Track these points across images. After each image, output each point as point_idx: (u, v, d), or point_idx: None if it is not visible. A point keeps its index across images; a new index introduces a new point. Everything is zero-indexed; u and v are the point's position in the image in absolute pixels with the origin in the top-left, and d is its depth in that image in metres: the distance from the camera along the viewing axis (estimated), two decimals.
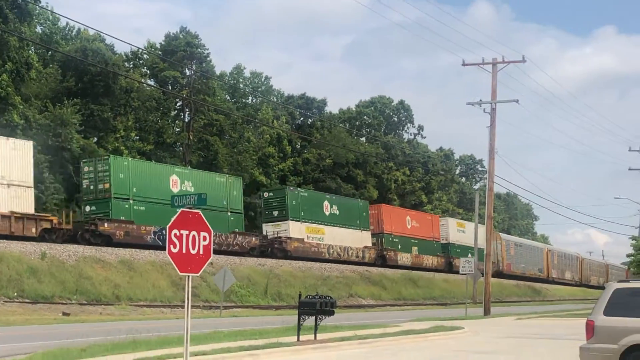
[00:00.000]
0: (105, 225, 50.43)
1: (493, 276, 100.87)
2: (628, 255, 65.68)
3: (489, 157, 49.46)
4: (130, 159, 59.35)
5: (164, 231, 49.92)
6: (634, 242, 65.42)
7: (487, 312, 47.39)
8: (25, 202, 46.69)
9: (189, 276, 12.00)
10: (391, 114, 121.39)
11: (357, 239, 72.20)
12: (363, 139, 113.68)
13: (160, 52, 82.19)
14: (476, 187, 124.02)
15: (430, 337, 28.77)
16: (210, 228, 12.26)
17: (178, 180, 55.48)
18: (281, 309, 50.34)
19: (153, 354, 18.84)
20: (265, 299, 55.33)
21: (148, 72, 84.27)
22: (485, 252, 50.94)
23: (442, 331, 30.65)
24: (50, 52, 74.24)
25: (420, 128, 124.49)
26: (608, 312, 15.49)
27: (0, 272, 40.42)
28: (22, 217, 45.79)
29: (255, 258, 59.39)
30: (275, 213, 65.12)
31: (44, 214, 50.12)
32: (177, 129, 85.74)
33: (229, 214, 59.81)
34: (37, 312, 38.47)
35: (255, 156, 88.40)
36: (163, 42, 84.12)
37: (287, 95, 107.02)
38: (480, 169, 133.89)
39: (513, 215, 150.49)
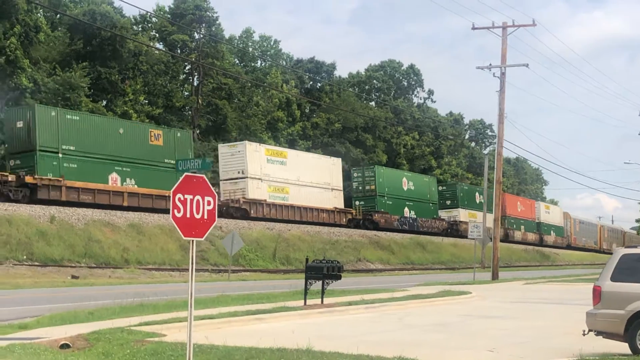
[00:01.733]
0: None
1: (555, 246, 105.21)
2: (637, 220, 65.61)
3: (499, 121, 49.28)
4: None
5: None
6: None
7: (495, 277, 47.45)
8: None
9: (193, 240, 11.97)
10: (401, 78, 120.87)
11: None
12: (372, 103, 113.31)
13: (169, 16, 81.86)
14: (486, 151, 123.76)
15: (437, 301, 28.81)
16: (215, 193, 12.20)
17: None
18: (289, 273, 50.48)
19: (160, 318, 18.92)
20: (273, 263, 55.50)
21: (157, 35, 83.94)
22: (494, 216, 50.88)
23: (449, 296, 30.71)
24: (58, 16, 73.93)
25: (430, 92, 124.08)
26: (615, 277, 15.45)
27: (10, 235, 40.59)
28: None
29: (264, 222, 59.39)
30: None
31: None
32: (186, 93, 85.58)
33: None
34: (46, 275, 38.67)
35: (264, 120, 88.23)
36: (172, 6, 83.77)
37: (296, 59, 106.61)
38: (489, 133, 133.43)
39: (523, 180, 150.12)
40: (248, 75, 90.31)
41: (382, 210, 74.37)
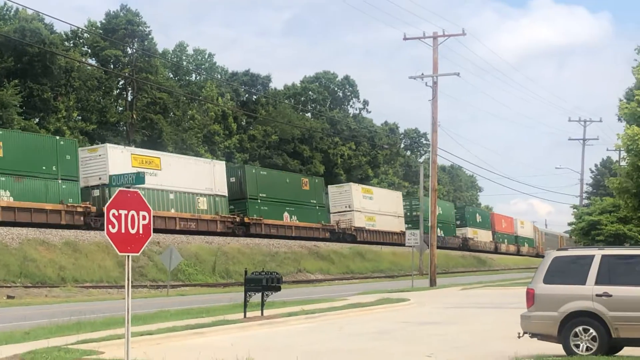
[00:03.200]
0: None
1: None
2: (569, 224, 66.77)
3: (432, 130, 49.85)
4: None
5: None
6: (575, 210, 66.51)
7: (433, 283, 47.91)
8: None
9: (128, 256, 11.94)
10: (336, 89, 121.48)
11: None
12: (309, 114, 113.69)
13: (100, 31, 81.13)
14: (421, 160, 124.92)
15: (376, 309, 29.03)
16: (149, 207, 12.19)
17: None
18: (229, 286, 50.28)
19: (97, 335, 18.75)
20: (213, 277, 55.21)
21: (89, 51, 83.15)
22: (430, 223, 51.38)
23: (388, 303, 30.95)
24: None
25: (365, 103, 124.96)
26: (547, 280, 15.75)
27: None
28: None
29: (202, 236, 59.05)
30: None
31: None
32: (120, 108, 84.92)
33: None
34: None
35: (201, 134, 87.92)
36: (103, 21, 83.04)
37: (231, 72, 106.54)
38: (424, 142, 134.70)
39: (458, 187, 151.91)
40: (183, 89, 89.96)
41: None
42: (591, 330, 15.17)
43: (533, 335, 15.91)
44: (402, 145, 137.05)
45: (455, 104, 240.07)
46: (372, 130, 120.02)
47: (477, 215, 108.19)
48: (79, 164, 51.35)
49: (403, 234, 75.32)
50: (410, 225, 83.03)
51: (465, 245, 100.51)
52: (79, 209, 50.17)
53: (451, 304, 32.13)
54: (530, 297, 15.84)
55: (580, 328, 15.26)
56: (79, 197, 50.37)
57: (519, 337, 16.07)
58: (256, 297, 24.59)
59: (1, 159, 45.66)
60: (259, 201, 65.09)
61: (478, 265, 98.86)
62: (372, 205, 79.84)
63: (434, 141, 49.97)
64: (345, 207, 76.96)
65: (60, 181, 49.08)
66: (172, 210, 57.10)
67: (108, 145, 55.90)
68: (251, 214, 63.96)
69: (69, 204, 49.32)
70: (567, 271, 15.76)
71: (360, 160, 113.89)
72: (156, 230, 52.50)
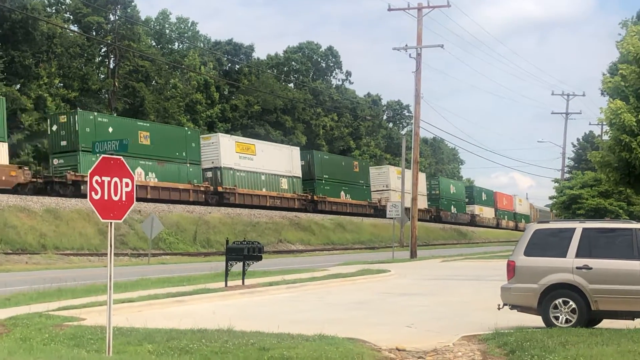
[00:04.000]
0: None
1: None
2: (550, 198, 67.05)
3: (415, 102, 49.85)
4: None
5: None
6: (556, 184, 66.78)
7: (413, 255, 48.11)
8: None
9: (111, 223, 11.91)
10: (319, 60, 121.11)
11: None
12: (291, 85, 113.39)
13: None
14: (403, 132, 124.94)
15: (357, 280, 29.15)
16: (132, 174, 12.17)
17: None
18: (210, 256, 50.36)
19: (79, 302, 18.77)
20: (194, 246, 55.28)
21: (71, 17, 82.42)
22: (412, 196, 51.49)
23: (368, 274, 31.07)
24: None
25: (348, 74, 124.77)
26: (528, 252, 15.83)
27: None
28: None
29: (184, 205, 59.10)
30: None
31: None
32: (102, 76, 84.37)
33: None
34: None
35: (183, 103, 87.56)
36: None
37: (214, 41, 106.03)
38: (407, 114, 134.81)
39: (440, 160, 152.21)
40: (165, 58, 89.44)
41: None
42: (571, 303, 15.29)
43: (513, 307, 16.02)
44: (385, 117, 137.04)
45: (438, 76, 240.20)
46: (354, 101, 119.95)
47: (483, 194, 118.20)
48: (200, 150, 62.09)
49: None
50: (430, 203, 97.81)
51: (473, 221, 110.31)
52: (202, 188, 61.48)
53: (431, 276, 32.31)
54: (511, 269, 15.92)
55: (560, 300, 15.37)
56: (201, 178, 61.85)
57: (499, 308, 16.19)
58: (237, 267, 24.65)
59: (149, 147, 56.17)
60: (323, 182, 76.97)
61: (458, 237, 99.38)
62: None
63: (417, 113, 49.99)
64: (383, 186, 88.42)
65: (188, 165, 60.23)
66: (264, 190, 68.50)
67: (220, 134, 68.56)
68: (317, 193, 75.71)
69: (195, 184, 60.65)
70: (548, 244, 15.83)
71: (343, 132, 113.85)
72: (251, 207, 66.63)
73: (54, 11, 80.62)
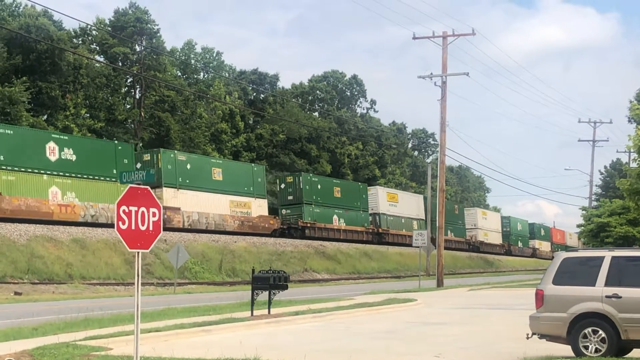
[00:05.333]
0: None
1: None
2: (578, 226, 66.58)
3: (440, 130, 49.75)
4: None
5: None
6: (584, 212, 66.31)
7: (440, 284, 47.83)
8: None
9: (138, 252, 11.93)
10: (344, 88, 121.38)
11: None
12: (316, 113, 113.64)
13: (109, 28, 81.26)
14: (428, 160, 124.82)
15: (384, 309, 28.97)
16: (160, 204, 12.19)
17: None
18: (236, 285, 50.31)
19: (106, 332, 18.76)
20: (219, 275, 55.27)
21: (97, 48, 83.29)
22: (437, 224, 51.29)
23: (395, 303, 30.89)
24: None
25: (373, 102, 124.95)
26: (557, 281, 15.67)
27: None
28: None
29: (209, 234, 59.20)
30: None
31: None
32: (128, 106, 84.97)
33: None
34: None
35: (208, 132, 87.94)
36: (112, 18, 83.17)
37: (239, 71, 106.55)
38: (432, 142, 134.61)
39: (465, 188, 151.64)
40: (191, 88, 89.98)
41: None
42: (600, 332, 15.09)
43: (542, 336, 15.84)
44: (410, 145, 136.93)
45: (463, 104, 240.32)
46: (379, 129, 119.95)
47: (542, 229, 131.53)
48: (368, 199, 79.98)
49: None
50: (503, 239, 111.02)
51: (534, 254, 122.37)
52: (370, 230, 79.57)
53: (459, 305, 32.07)
54: (540, 298, 15.76)
55: (590, 329, 15.18)
56: (368, 221, 79.67)
57: (527, 338, 16.01)
58: (263, 296, 24.56)
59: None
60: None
61: (485, 266, 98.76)
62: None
63: (442, 141, 49.88)
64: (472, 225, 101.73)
65: (361, 212, 78.71)
66: (403, 230, 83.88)
67: (378, 187, 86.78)
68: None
69: (365, 227, 78.59)
70: (577, 272, 15.67)
71: (368, 160, 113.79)
72: (398, 244, 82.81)
73: (80, 42, 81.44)
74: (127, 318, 20.91)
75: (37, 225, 47.41)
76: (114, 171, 53.15)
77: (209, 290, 46.01)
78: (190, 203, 57.98)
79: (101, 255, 48.37)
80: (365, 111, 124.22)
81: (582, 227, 63.01)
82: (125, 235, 11.74)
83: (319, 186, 73.98)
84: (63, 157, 49.96)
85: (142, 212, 11.84)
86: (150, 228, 11.95)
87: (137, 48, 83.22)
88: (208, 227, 59.56)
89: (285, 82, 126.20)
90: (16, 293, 38.21)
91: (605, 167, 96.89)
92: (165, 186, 55.77)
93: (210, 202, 59.98)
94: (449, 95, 50.28)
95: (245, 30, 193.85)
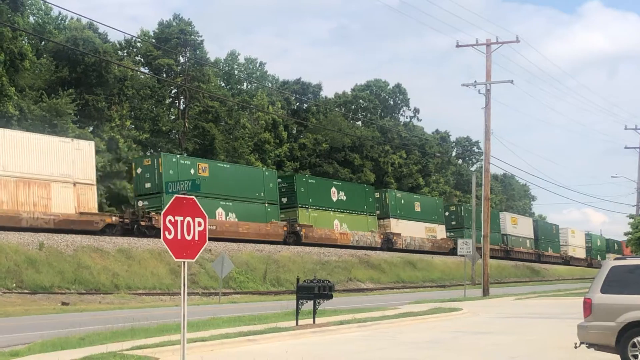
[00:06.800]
0: None
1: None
2: (626, 234, 65.66)
3: (485, 138, 49.44)
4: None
5: None
6: (631, 220, 65.39)
7: (485, 293, 47.47)
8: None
9: (184, 262, 11.99)
10: (387, 97, 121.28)
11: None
12: (359, 122, 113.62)
13: (153, 40, 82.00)
14: (473, 168, 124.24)
15: (429, 319, 28.81)
16: (205, 213, 12.24)
17: None
18: (280, 294, 50.36)
19: (152, 341, 18.86)
20: (264, 285, 55.35)
21: (142, 60, 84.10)
22: (482, 233, 50.93)
23: (441, 313, 30.70)
24: (43, 42, 74.06)
25: (416, 111, 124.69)
26: (605, 289, 15.48)
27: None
28: None
29: (254, 244, 59.33)
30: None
31: None
32: (173, 117, 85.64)
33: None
34: (36, 302, 38.45)
35: (251, 142, 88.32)
36: (156, 30, 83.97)
37: (282, 81, 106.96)
38: (476, 150, 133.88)
39: (510, 196, 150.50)
40: (234, 98, 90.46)
41: None
42: None
43: (590, 345, 15.64)
44: (454, 154, 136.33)
45: (507, 112, 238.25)
46: (423, 138, 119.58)
47: (615, 244, 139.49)
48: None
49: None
50: (586, 254, 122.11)
51: (590, 264, 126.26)
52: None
53: (505, 314, 31.80)
54: (588, 306, 15.58)
55: (639, 338, 14.98)
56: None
57: (575, 347, 15.83)
58: (308, 305, 24.57)
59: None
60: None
61: (531, 275, 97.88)
62: None
63: (487, 149, 49.56)
64: None
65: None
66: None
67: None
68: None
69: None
70: (625, 281, 15.47)
71: (411, 169, 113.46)
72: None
73: (125, 54, 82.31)
74: (173, 328, 21.01)
75: (84, 235, 47.95)
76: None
77: (253, 299, 46.11)
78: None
79: (147, 265, 48.70)
80: (408, 120, 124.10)
81: (630, 235, 62.07)
82: (172, 245, 11.81)
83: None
84: None
85: (188, 222, 11.91)
86: (196, 238, 12.01)
87: (181, 59, 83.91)
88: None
89: (328, 92, 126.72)
90: (63, 303, 38.60)
91: None
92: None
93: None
94: (494, 103, 50.05)
95: (287, 40, 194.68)
